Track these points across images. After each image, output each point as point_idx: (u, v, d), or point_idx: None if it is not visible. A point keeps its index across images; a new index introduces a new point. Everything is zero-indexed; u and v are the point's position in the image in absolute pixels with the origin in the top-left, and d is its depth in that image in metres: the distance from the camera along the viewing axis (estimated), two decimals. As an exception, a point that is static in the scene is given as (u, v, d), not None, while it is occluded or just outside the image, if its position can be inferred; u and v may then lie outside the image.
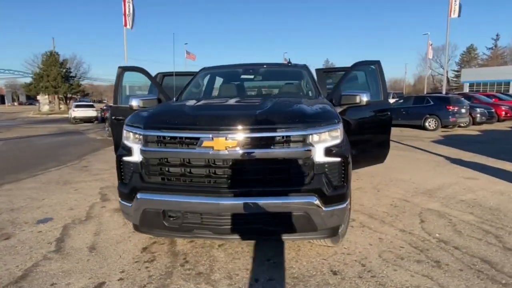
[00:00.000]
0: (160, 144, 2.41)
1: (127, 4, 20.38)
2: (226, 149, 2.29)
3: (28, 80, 41.21)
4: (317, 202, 2.34)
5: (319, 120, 2.44)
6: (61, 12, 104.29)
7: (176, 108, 2.90)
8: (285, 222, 2.35)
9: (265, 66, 4.26)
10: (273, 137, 2.33)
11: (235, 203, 2.30)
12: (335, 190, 2.43)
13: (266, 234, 2.47)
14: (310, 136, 2.36)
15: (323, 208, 2.36)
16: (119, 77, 4.28)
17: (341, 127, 2.54)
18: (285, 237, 2.54)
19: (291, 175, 2.37)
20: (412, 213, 3.79)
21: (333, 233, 2.60)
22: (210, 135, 2.29)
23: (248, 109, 2.55)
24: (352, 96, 3.43)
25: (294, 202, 2.32)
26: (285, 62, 5.15)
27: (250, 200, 2.31)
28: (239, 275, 2.50)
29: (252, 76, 4.23)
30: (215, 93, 4.22)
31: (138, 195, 2.45)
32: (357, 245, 2.99)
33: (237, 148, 2.30)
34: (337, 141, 2.48)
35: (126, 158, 2.57)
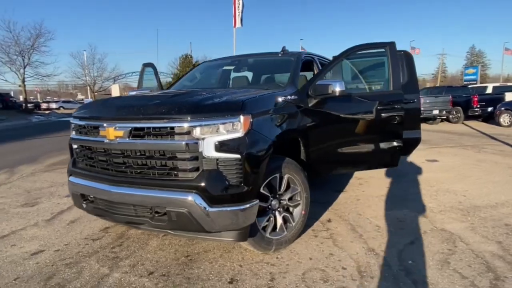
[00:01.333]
0: (77, 132, 2.63)
1: (236, 5, 21.79)
2: (115, 138, 2.33)
3: (169, 80, 48.72)
4: (198, 200, 2.15)
5: (211, 112, 2.23)
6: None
7: (105, 99, 3.03)
8: (169, 218, 2.25)
9: (254, 56, 4.04)
10: (156, 128, 2.24)
11: (120, 192, 2.33)
12: (227, 189, 2.19)
13: (153, 227, 2.40)
14: (196, 128, 2.18)
15: (208, 208, 2.16)
16: (141, 72, 4.73)
17: (244, 120, 2.24)
18: (178, 233, 2.42)
19: (175, 169, 2.24)
20: (410, 232, 3.03)
21: (241, 237, 2.34)
22: (104, 124, 2.37)
23: (152, 100, 2.51)
24: (325, 86, 2.96)
25: (173, 198, 2.20)
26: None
27: (133, 191, 2.30)
28: (144, 265, 2.52)
29: (231, 68, 4.07)
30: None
31: (69, 178, 2.73)
32: (293, 258, 2.59)
33: (125, 138, 2.31)
34: (235, 135, 2.21)
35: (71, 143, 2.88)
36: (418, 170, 5.49)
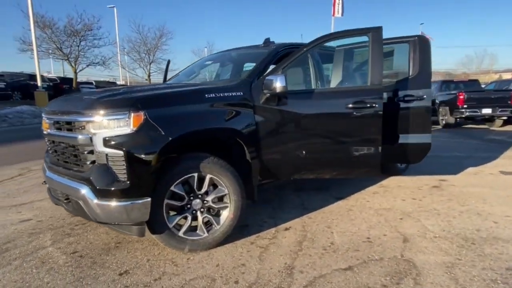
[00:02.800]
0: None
1: (336, -7, 20.80)
2: (47, 129, 2.63)
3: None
4: (87, 192, 2.28)
5: (104, 108, 2.29)
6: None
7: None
8: (72, 205, 2.44)
9: (240, 50, 3.85)
10: (64, 122, 2.44)
11: (49, 177, 2.62)
12: (113, 184, 2.25)
13: (68, 211, 2.61)
14: (89, 123, 2.29)
15: (96, 200, 2.27)
16: (166, 67, 5.09)
17: (134, 117, 2.24)
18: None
19: (79, 160, 2.41)
20: (361, 255, 2.52)
21: (138, 232, 2.38)
22: (44, 117, 2.70)
23: (80, 97, 2.69)
24: (269, 81, 2.71)
25: (70, 187, 2.37)
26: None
27: (55, 178, 2.57)
28: (77, 244, 2.79)
29: (210, 62, 3.93)
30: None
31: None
32: (202, 262, 2.48)
33: (49, 130, 2.59)
34: (124, 131, 2.24)
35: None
36: (470, 182, 4.41)
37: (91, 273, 2.36)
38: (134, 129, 2.24)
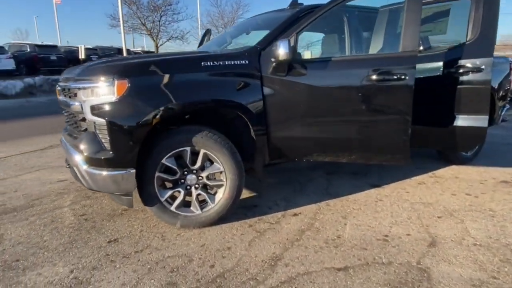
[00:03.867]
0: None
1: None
2: (59, 95, 2.72)
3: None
4: (78, 158, 2.30)
5: (90, 75, 2.25)
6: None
7: None
8: (72, 172, 2.52)
9: (268, 14, 3.43)
10: (64, 89, 2.47)
11: (62, 142, 2.74)
12: (99, 153, 2.23)
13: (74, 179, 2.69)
14: (79, 91, 2.28)
15: (84, 167, 2.29)
16: (203, 35, 4.96)
17: (118, 85, 2.15)
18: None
19: (76, 127, 2.45)
20: (369, 255, 2.13)
21: (126, 202, 2.38)
22: (57, 85, 2.80)
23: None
24: (274, 48, 2.40)
25: (69, 153, 2.43)
26: None
27: (63, 143, 2.66)
28: (89, 208, 2.92)
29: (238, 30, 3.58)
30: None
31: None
32: (190, 239, 2.37)
33: (60, 96, 2.67)
34: (108, 99, 2.17)
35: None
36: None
37: (85, 237, 2.43)
38: (118, 97, 2.15)
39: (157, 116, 2.21)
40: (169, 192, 2.44)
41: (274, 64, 2.44)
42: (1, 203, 3.06)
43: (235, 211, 2.77)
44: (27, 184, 3.56)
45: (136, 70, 2.26)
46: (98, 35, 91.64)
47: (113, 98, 2.16)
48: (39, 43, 19.62)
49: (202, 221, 2.49)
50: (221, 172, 2.47)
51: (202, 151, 2.42)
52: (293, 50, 2.38)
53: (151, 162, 2.34)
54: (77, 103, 2.29)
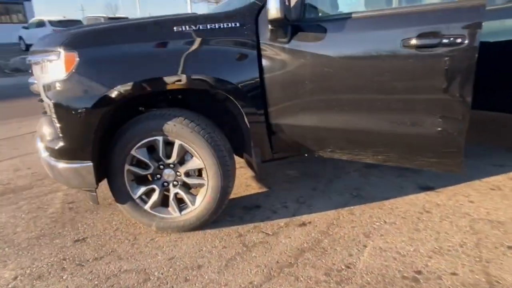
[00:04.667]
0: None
1: None
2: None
3: None
4: (39, 144, 2.01)
5: (40, 47, 1.87)
6: None
7: None
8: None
9: None
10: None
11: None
12: (52, 140, 1.89)
13: None
14: (33, 65, 1.92)
15: (42, 155, 1.99)
16: None
17: (66, 58, 1.73)
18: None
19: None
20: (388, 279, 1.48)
21: (91, 199, 2.04)
22: None
23: None
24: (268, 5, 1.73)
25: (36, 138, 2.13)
26: None
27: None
28: (66, 195, 2.69)
29: None
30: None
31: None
32: (162, 246, 1.96)
33: None
34: (58, 77, 1.77)
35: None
36: None
37: (56, 232, 2.18)
38: (67, 74, 1.74)
39: (114, 98, 1.76)
40: (142, 189, 2.03)
41: (269, 26, 1.78)
42: (7, 182, 3.00)
43: (230, 212, 2.29)
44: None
45: (87, 40, 1.81)
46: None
47: (63, 75, 1.75)
48: (112, 15, 20.75)
49: (180, 225, 2.06)
50: (201, 169, 1.97)
51: (177, 142, 1.93)
52: (291, 5, 1.69)
53: (118, 153, 1.94)
54: (31, 81, 1.95)
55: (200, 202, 2.01)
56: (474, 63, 1.47)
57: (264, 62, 1.88)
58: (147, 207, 2.05)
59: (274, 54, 1.87)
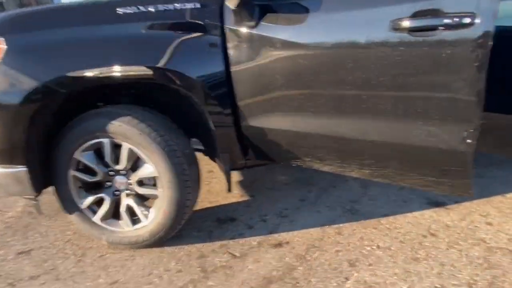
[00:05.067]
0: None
1: None
2: None
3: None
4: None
5: None
6: None
7: None
8: None
9: None
10: None
11: None
12: None
13: None
14: None
15: None
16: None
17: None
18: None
19: None
20: None
21: (36, 208, 1.80)
22: None
23: None
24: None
25: None
26: None
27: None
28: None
29: None
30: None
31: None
32: (109, 271, 1.69)
33: None
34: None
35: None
36: None
37: (4, 241, 1.99)
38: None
39: (47, 92, 1.48)
40: (90, 198, 1.76)
41: (230, 6, 1.44)
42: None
43: (200, 225, 1.99)
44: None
45: (17, 25, 1.54)
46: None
47: (-10, 67, 1.49)
48: None
49: (133, 241, 1.78)
50: (154, 178, 1.67)
51: (125, 146, 1.64)
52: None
53: (61, 157, 1.68)
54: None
55: (154, 216, 1.72)
56: (487, 53, 1.07)
57: (230, 51, 1.55)
58: (96, 218, 1.78)
59: (241, 42, 1.54)
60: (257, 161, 1.85)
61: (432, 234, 1.86)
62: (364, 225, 1.96)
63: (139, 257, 1.76)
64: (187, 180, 1.65)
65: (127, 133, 1.58)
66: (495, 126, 1.88)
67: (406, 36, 1.17)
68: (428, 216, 2.03)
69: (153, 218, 1.72)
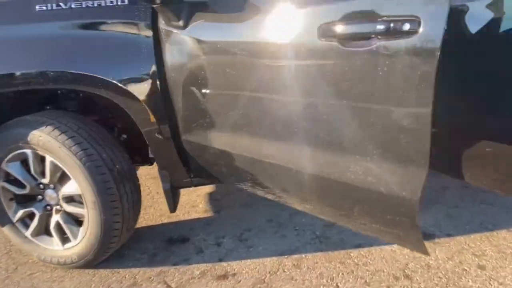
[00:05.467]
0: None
1: None
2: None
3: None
4: None
5: None
6: None
7: None
8: None
9: None
10: None
11: None
12: None
13: None
14: None
15: None
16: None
17: None
18: None
19: None
20: None
21: None
22: None
23: None
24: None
25: None
26: None
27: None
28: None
29: None
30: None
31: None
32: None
33: None
34: None
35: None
36: None
37: None
38: None
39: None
40: (21, 212, 1.62)
41: (150, 3, 1.22)
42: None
43: (147, 245, 1.81)
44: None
45: None
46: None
47: None
48: None
49: (62, 262, 1.62)
50: (79, 195, 1.50)
51: (48, 158, 1.47)
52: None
53: (-13, 166, 1.54)
54: None
55: (82, 237, 1.55)
56: (434, 69, 0.77)
57: (164, 55, 1.34)
58: (28, 233, 1.64)
59: (173, 44, 1.32)
60: (204, 180, 1.63)
61: (407, 276, 1.56)
62: (329, 258, 1.69)
63: (69, 279, 1.61)
64: (113, 201, 1.46)
65: (48, 145, 1.42)
66: (498, 155, 1.54)
67: (336, 47, 0.90)
68: (408, 251, 1.72)
69: (81, 239, 1.55)
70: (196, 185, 1.65)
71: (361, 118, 0.92)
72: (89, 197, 1.44)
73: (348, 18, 0.86)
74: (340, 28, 0.88)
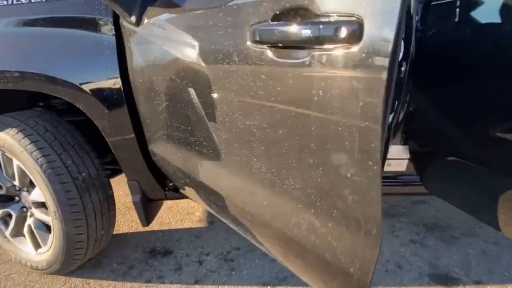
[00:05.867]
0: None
1: None
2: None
3: None
4: None
5: None
6: None
7: None
8: None
9: None
10: None
11: None
12: None
13: None
14: None
15: None
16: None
17: None
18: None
19: None
20: None
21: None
22: None
23: None
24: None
25: None
26: None
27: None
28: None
29: None
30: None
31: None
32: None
33: None
34: None
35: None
36: None
37: None
38: None
39: None
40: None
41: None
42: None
43: (128, 255, 1.71)
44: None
45: None
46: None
47: None
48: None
49: (34, 267, 1.57)
50: (46, 203, 1.41)
51: (15, 161, 1.41)
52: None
53: (-31, 165, 1.53)
54: None
55: (50, 245, 1.47)
56: (381, 99, 0.49)
57: (127, 55, 1.18)
58: (7, 233, 1.62)
59: (133, 43, 1.15)
60: (178, 195, 1.46)
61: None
62: None
63: (40, 285, 1.55)
64: (75, 212, 1.35)
65: (11, 148, 1.34)
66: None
67: (267, 55, 0.64)
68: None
69: (49, 247, 1.48)
70: (171, 199, 1.49)
71: (300, 157, 0.66)
72: (51, 206, 1.35)
73: (280, 17, 0.60)
74: (269, 31, 0.62)
